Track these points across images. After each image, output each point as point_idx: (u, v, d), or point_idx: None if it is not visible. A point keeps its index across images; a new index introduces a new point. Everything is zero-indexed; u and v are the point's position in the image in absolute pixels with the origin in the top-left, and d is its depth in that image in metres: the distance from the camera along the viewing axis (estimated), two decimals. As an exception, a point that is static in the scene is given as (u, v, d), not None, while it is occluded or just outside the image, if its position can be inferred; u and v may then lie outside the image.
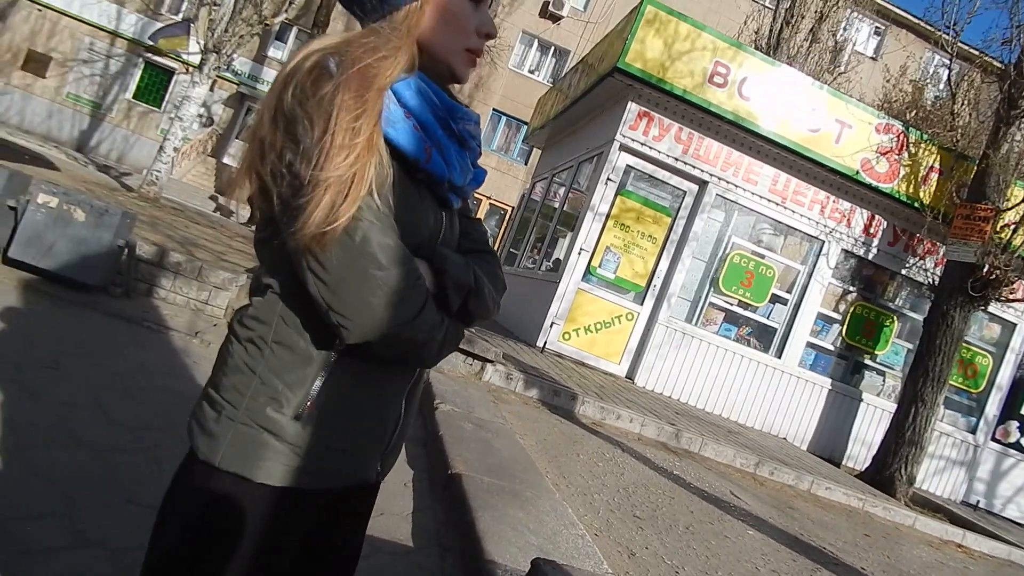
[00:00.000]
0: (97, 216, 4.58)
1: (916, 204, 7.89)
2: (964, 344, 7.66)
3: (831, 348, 8.38)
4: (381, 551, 2.46)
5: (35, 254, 4.47)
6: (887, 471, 7.04)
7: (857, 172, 7.78)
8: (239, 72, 20.62)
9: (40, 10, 19.26)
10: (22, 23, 19.30)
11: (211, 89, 13.58)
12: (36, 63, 19.35)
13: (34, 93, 19.43)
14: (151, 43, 12.07)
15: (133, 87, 20.36)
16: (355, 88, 0.86)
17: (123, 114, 20.25)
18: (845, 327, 8.32)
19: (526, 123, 16.12)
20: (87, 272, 4.54)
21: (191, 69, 11.20)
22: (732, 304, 8.09)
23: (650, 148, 7.74)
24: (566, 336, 7.80)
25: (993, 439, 8.71)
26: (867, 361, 8.48)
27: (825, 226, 8.17)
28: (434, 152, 0.97)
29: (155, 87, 20.51)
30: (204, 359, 4.09)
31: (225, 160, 20.38)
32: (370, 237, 0.87)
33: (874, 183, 7.84)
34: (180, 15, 19.03)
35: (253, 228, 1.00)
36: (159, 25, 17.40)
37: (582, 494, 3.57)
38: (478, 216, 1.18)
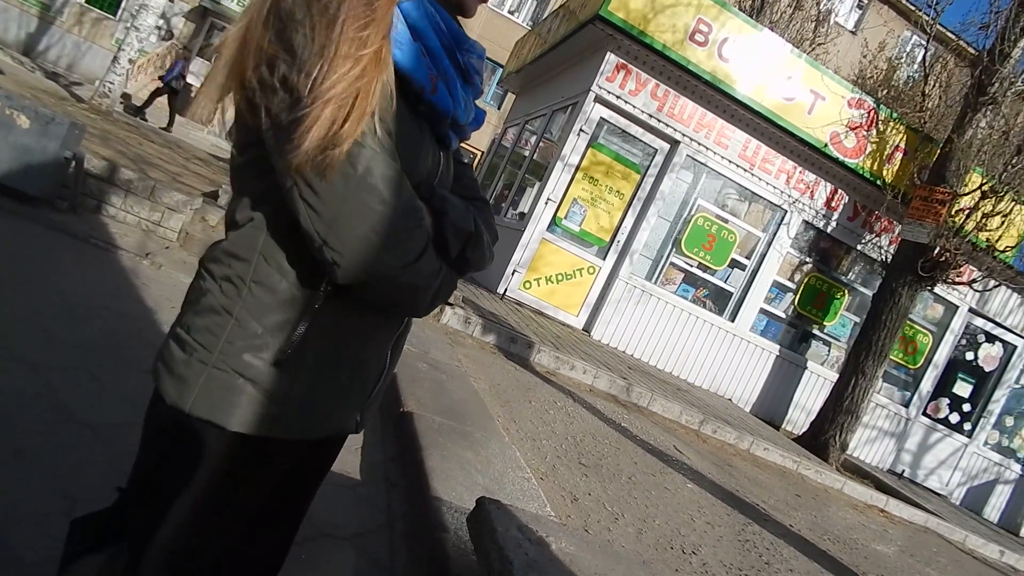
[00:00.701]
0: (43, 124, 4.32)
1: (878, 181, 8.03)
2: (908, 322, 7.96)
3: (783, 316, 8.60)
4: (327, 482, 2.45)
5: (-27, 159, 4.21)
6: (822, 437, 7.35)
7: (826, 145, 7.85)
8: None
9: None
10: (-35, -92, 17.78)
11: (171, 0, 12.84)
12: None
13: (-23, -12, 18.06)
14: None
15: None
16: None
17: (75, 19, 19.02)
18: (798, 296, 8.53)
19: (502, 66, 15.74)
20: (30, 182, 4.31)
21: (151, -24, 10.54)
22: (692, 266, 8.19)
23: (625, 102, 7.65)
24: (527, 285, 7.81)
25: (924, 414, 9.16)
26: (815, 331, 8.74)
27: (789, 196, 8.27)
28: (440, 83, 0.87)
29: (111, -7, 19.29)
30: (154, 281, 3.96)
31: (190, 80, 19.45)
32: (373, 167, 0.78)
33: (841, 157, 7.94)
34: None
35: (231, 149, 0.90)
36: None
37: (531, 439, 3.62)
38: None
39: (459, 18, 0.96)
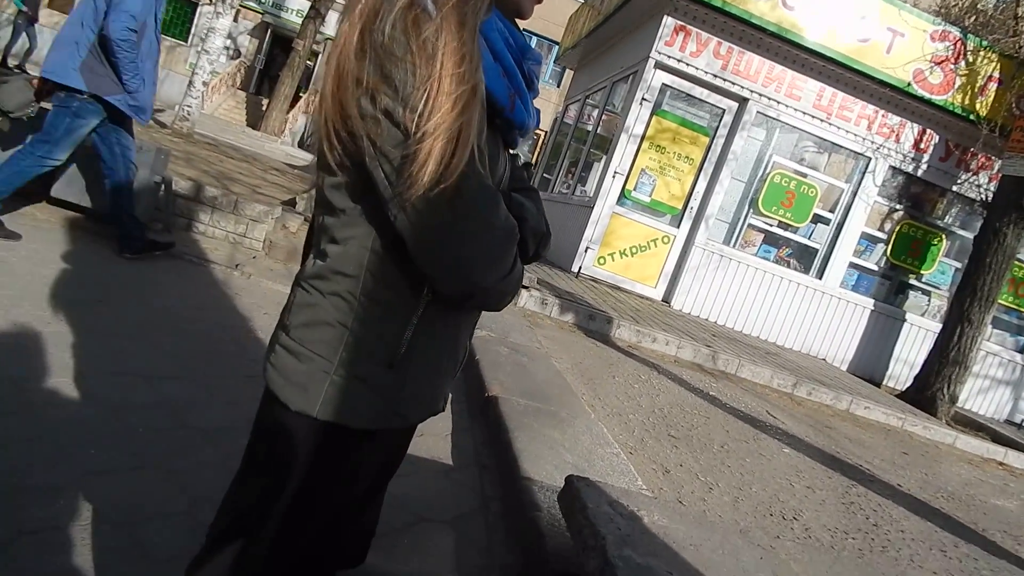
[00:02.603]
0: (133, 153, 4.62)
1: (971, 116, 7.47)
2: (1016, 262, 7.40)
3: (875, 268, 8.17)
4: (422, 469, 2.55)
5: (77, 192, 4.56)
6: (929, 391, 6.97)
7: (909, 84, 7.36)
8: (262, 1, 20.24)
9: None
10: (46, -41, 19.09)
11: (235, 20, 13.38)
12: (62, 0, 19.25)
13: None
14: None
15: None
16: (455, 29, 0.79)
17: (152, 50, 20.15)
18: (890, 246, 8.08)
19: (558, 43, 15.55)
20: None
21: (214, 0, 11.02)
22: (772, 225, 7.90)
23: (687, 65, 7.42)
24: (601, 261, 7.76)
25: (1041, 358, 8.53)
26: (912, 281, 8.27)
27: (872, 142, 7.82)
28: (516, 99, 0.93)
29: (180, 20, 20.30)
30: (244, 290, 4.19)
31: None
32: (478, 195, 0.83)
33: (927, 95, 7.42)
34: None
35: (320, 173, 0.94)
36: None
37: (617, 415, 3.62)
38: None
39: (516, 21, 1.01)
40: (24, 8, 12.18)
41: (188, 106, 10.66)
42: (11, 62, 12.01)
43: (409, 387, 0.98)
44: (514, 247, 0.92)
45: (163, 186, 4.81)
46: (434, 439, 2.83)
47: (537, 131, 21.81)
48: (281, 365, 0.97)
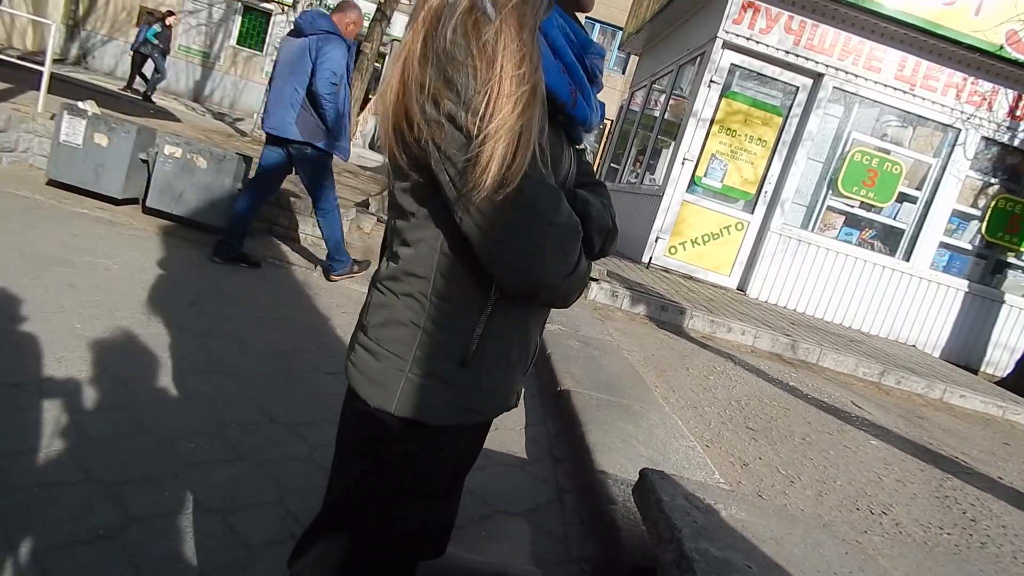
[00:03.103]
0: (217, 162, 4.88)
1: (1076, 78, 6.90)
2: None
3: (968, 247, 7.69)
4: (497, 462, 2.60)
5: (168, 202, 4.86)
6: (1032, 377, 6.52)
7: (1001, 47, 6.86)
8: (329, 6, 20.82)
9: (146, -33, 20.10)
10: (131, -19, 20.26)
11: (307, 27, 13.84)
12: (148, 18, 20.40)
13: (150, 49, 20.56)
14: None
15: (236, 33, 21.07)
16: (515, 30, 0.80)
17: (230, 61, 21.09)
18: (985, 223, 7.58)
19: (621, 29, 15.30)
20: (214, 215, 4.89)
21: (286, 8, 11.42)
22: (853, 206, 7.55)
23: (756, 43, 7.17)
24: (672, 250, 7.62)
25: None
26: (1011, 259, 7.73)
27: (962, 112, 7.34)
28: (578, 95, 0.93)
29: (255, 31, 21.13)
30: (324, 290, 4.36)
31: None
32: (539, 195, 0.85)
33: (1021, 58, 6.90)
34: (271, -45, 19.28)
35: (391, 176, 0.98)
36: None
37: (692, 407, 3.57)
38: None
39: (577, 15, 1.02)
40: (155, 41, 12.89)
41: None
42: (141, 89, 12.78)
43: (481, 383, 1.00)
44: (578, 245, 0.93)
45: (245, 192, 5.05)
46: (508, 433, 2.88)
47: (605, 119, 21.56)
48: (360, 363, 1.02)
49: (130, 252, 4.03)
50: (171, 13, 13.80)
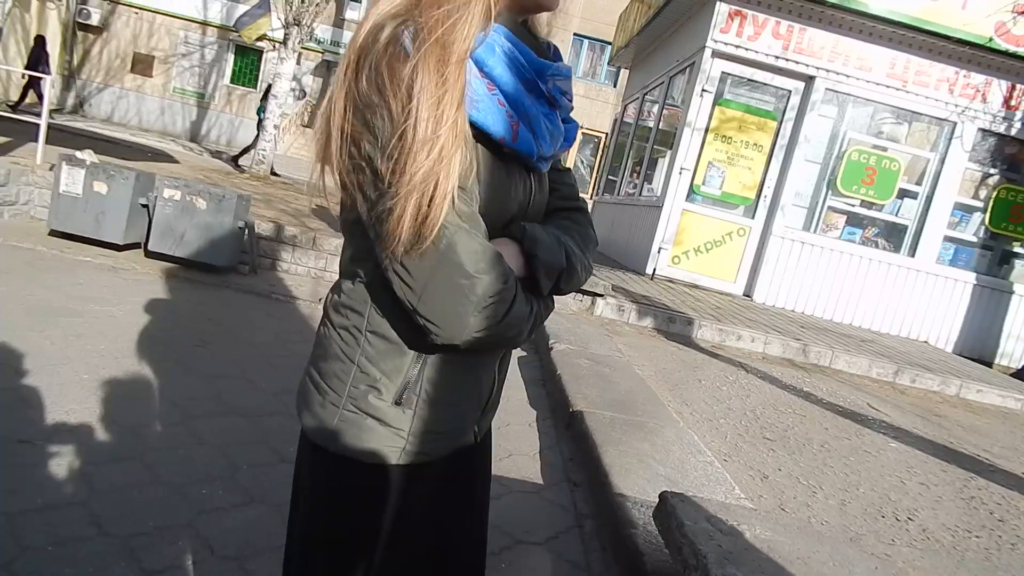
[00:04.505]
0: (216, 202, 4.90)
1: (1067, 64, 6.90)
2: None
3: (973, 239, 7.65)
4: (513, 490, 2.56)
5: (170, 244, 4.87)
6: (1048, 366, 6.44)
7: (991, 39, 6.87)
8: (321, 40, 21.04)
9: (137, 13, 20.41)
10: (123, 28, 20.56)
11: (298, 62, 13.99)
12: (142, 64, 20.65)
13: (145, 92, 20.81)
14: (236, 31, 12.52)
15: (229, 72, 21.33)
16: (434, 66, 0.75)
17: (224, 99, 21.33)
18: (988, 214, 7.54)
19: (610, 43, 15.41)
20: (216, 255, 4.90)
21: (277, 46, 11.56)
22: (854, 205, 7.53)
23: (746, 50, 7.20)
24: (676, 260, 7.60)
25: None
26: (1017, 249, 7.68)
27: (956, 106, 7.34)
28: (521, 128, 0.86)
29: (248, 69, 21.38)
30: (329, 323, 4.34)
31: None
32: (455, 242, 0.79)
33: (1012, 48, 6.91)
34: (259, -7, 19.55)
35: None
36: (242, 8, 17.97)
37: (707, 420, 3.53)
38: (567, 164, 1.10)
39: (543, 15, 0.97)
40: (264, 116, 13.05)
41: (262, 150, 11.20)
42: (242, 162, 12.88)
43: (419, 424, 0.94)
44: (504, 294, 0.84)
45: (247, 230, 5.06)
46: (522, 458, 2.84)
47: (596, 132, 21.69)
48: (303, 396, 1.00)
49: (134, 297, 4.03)
50: None
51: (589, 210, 1.11)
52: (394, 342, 0.92)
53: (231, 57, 21.26)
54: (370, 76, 0.77)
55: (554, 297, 1.00)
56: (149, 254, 4.96)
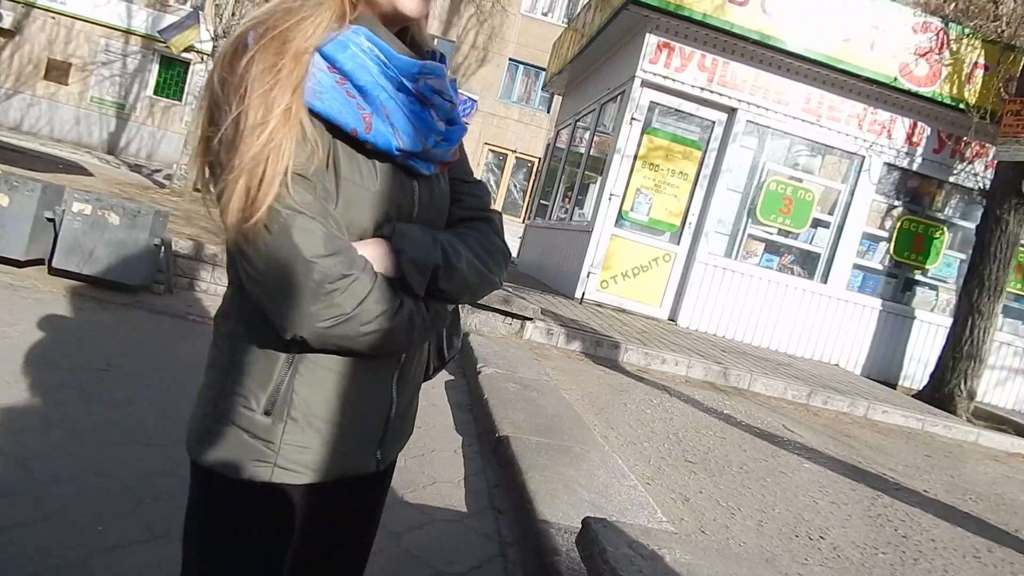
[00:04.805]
0: (131, 218, 4.67)
1: (961, 105, 7.47)
2: (1021, 248, 7.32)
3: (879, 267, 8.13)
4: (436, 519, 2.51)
5: (77, 261, 4.59)
6: (946, 388, 6.87)
7: (895, 79, 7.38)
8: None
9: (54, 18, 19.44)
10: (38, 32, 19.54)
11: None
12: (57, 71, 19.64)
13: (59, 101, 19.78)
14: (163, 41, 12.08)
15: (152, 83, 20.55)
16: (269, 58, 0.79)
17: (146, 111, 20.50)
18: (893, 244, 8.04)
19: (544, 69, 15.72)
20: (129, 273, 4.65)
21: (205, 58, 11.24)
22: (772, 233, 7.88)
23: (673, 81, 7.47)
24: (604, 285, 7.74)
25: (1058, 344, 8.39)
26: (918, 277, 8.21)
27: (864, 140, 7.82)
28: (376, 120, 0.86)
29: (173, 80, 20.66)
30: (249, 346, 4.18)
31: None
32: (290, 226, 0.78)
33: (914, 88, 7.44)
34: (188, 4, 18.99)
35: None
36: (169, 19, 17.41)
37: (632, 444, 3.57)
38: (478, 177, 1.09)
39: (418, 29, 0.98)
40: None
41: (185, 164, 10.80)
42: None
43: (291, 438, 0.90)
44: (351, 283, 0.82)
45: (162, 247, 4.84)
46: (447, 485, 2.79)
47: (529, 157, 21.98)
48: (193, 411, 0.96)
49: (33, 318, 3.77)
50: None
51: (497, 221, 1.08)
52: (262, 346, 0.89)
53: (155, 68, 20.50)
54: (217, 73, 0.82)
55: (445, 304, 0.96)
56: (53, 271, 4.66)
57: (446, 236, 0.96)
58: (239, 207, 0.77)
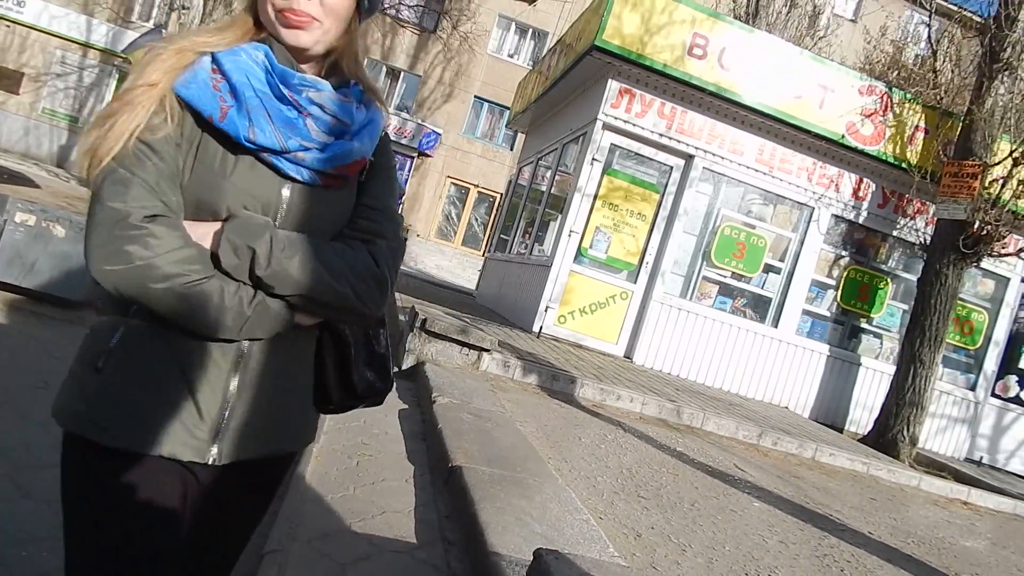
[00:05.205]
0: (77, 231, 4.51)
1: (903, 164, 7.87)
2: (959, 301, 7.67)
3: (827, 314, 8.38)
4: (384, 550, 2.43)
5: (17, 273, 4.40)
6: (889, 433, 7.07)
7: (843, 136, 7.74)
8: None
9: (8, 26, 18.96)
10: (-9, 40, 19.00)
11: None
12: (8, 80, 19.06)
13: (8, 110, 19.16)
14: (125, 56, 11.89)
15: (108, 98, 20.08)
16: (159, 52, 0.97)
17: (101, 126, 20.00)
18: (840, 292, 8.32)
19: (508, 108, 16.00)
20: (71, 288, 4.48)
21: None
22: (726, 276, 8.07)
23: (633, 125, 7.68)
24: (562, 319, 7.77)
25: (993, 395, 8.76)
26: (863, 324, 8.49)
27: (814, 192, 8.14)
28: (232, 112, 0.97)
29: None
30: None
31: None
32: (108, 171, 0.91)
33: (860, 146, 7.81)
34: (151, 22, 18.75)
35: None
36: (131, 35, 17.17)
37: (585, 478, 3.55)
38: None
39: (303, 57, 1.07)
40: None
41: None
42: None
43: (100, 390, 0.95)
44: (140, 238, 0.90)
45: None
46: (396, 516, 2.72)
47: (491, 192, 22.17)
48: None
49: (-35, 330, 3.58)
50: None
51: (383, 248, 1.09)
52: (108, 311, 1.00)
53: (113, 82, 20.09)
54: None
55: (282, 302, 0.99)
56: (-10, 283, 4.45)
57: (299, 238, 1.00)
58: (83, 154, 0.92)
